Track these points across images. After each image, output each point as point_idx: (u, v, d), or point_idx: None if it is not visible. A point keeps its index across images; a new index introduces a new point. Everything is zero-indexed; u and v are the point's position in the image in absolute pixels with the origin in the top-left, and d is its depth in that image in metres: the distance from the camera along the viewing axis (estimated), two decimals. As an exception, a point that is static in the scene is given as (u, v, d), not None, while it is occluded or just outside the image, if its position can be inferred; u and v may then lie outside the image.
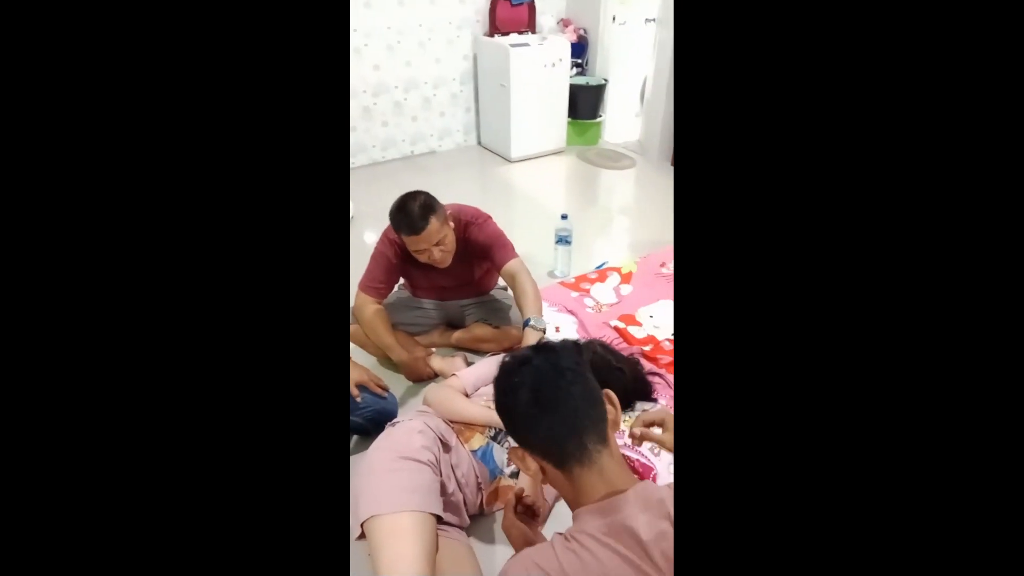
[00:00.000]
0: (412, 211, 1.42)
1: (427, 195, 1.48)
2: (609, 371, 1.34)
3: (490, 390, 1.37)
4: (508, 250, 1.66)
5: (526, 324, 1.52)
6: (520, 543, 0.89)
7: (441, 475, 1.16)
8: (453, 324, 1.88)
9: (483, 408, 1.32)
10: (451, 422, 1.30)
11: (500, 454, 1.27)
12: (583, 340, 1.58)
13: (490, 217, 1.68)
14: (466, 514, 1.22)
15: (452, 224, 1.54)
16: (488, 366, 1.47)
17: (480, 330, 1.78)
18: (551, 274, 2.27)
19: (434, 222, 1.44)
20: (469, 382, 1.39)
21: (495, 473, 1.26)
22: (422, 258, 1.52)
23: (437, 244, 1.48)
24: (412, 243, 1.47)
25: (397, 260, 1.62)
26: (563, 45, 3.40)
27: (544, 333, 1.53)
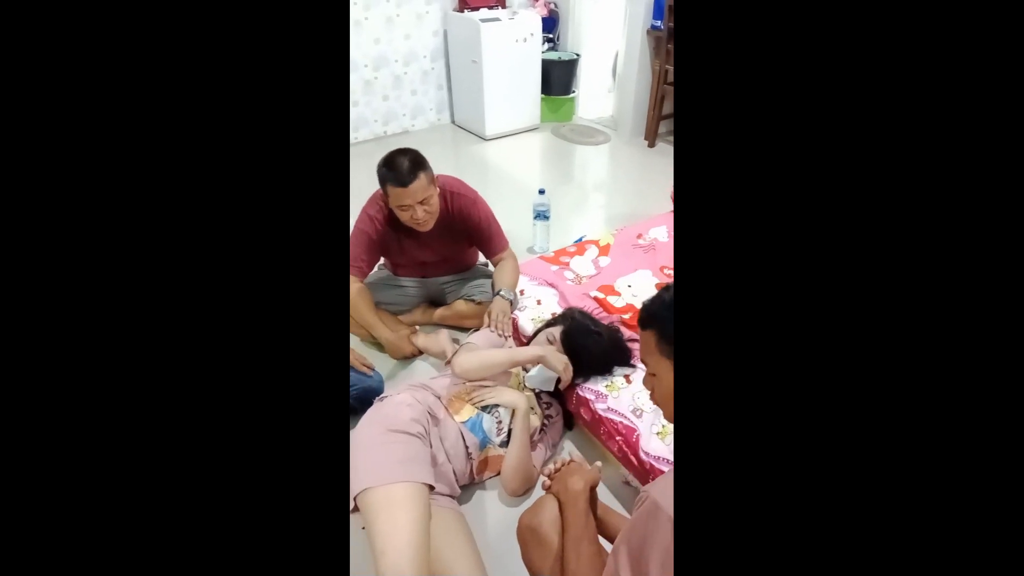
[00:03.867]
0: (401, 164, 1.43)
1: (416, 151, 1.48)
2: (587, 335, 1.37)
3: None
4: (500, 240, 1.70)
5: (497, 294, 1.63)
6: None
7: (431, 447, 1.18)
8: (435, 302, 1.89)
9: (523, 349, 1.39)
10: (466, 388, 1.32)
11: (489, 423, 1.30)
12: (562, 309, 1.60)
13: (478, 194, 1.68)
14: (456, 484, 1.25)
15: (437, 188, 1.54)
16: (489, 334, 1.49)
17: (462, 307, 1.79)
18: (531, 250, 2.29)
19: (423, 177, 1.45)
20: (485, 345, 1.41)
21: (485, 443, 1.29)
22: (405, 216, 1.51)
23: (422, 203, 1.48)
24: (398, 197, 1.46)
25: (377, 236, 1.61)
26: (534, 20, 3.36)
27: (513, 304, 1.62)
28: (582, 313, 1.47)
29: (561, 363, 1.32)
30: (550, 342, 1.37)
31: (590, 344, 1.36)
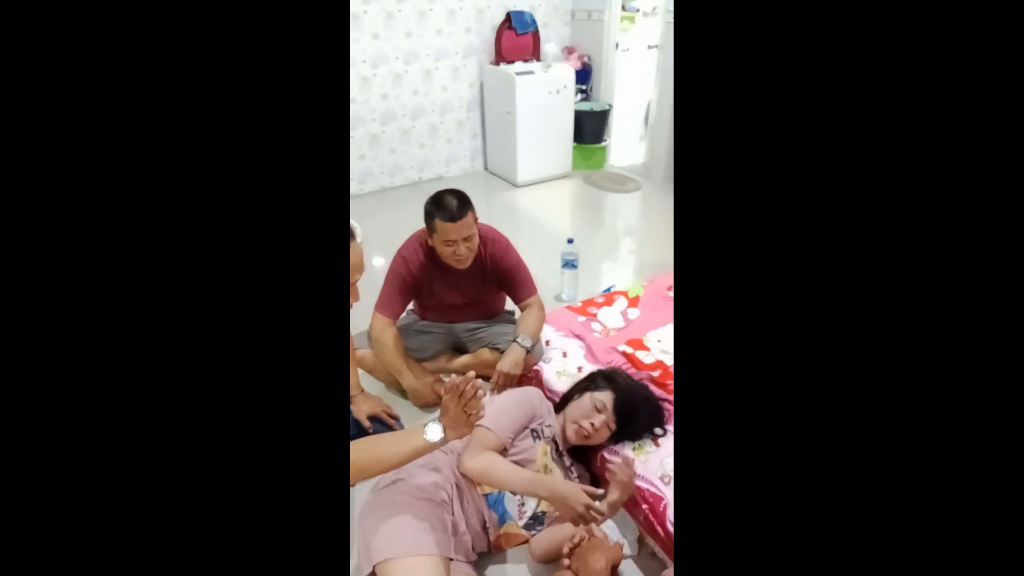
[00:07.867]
0: (451, 202, 1.51)
1: (462, 192, 1.55)
2: (641, 403, 1.31)
3: (532, 422, 1.27)
4: (529, 286, 1.74)
5: (514, 340, 1.64)
6: None
7: (453, 514, 1.14)
8: (460, 350, 1.87)
9: (531, 476, 1.17)
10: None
11: (512, 503, 1.24)
12: (605, 368, 1.49)
13: (510, 242, 1.72)
14: (472, 552, 1.20)
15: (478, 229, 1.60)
16: (517, 405, 1.30)
17: (487, 355, 1.77)
18: (558, 298, 2.27)
19: (470, 215, 1.53)
20: (505, 431, 1.23)
21: (504, 519, 1.23)
22: (448, 251, 1.55)
23: (466, 239, 1.54)
24: (445, 232, 1.52)
25: (410, 278, 1.66)
26: (567, 72, 3.46)
27: (528, 351, 1.61)
28: (626, 376, 1.40)
29: (581, 504, 1.06)
30: (599, 410, 1.26)
31: (640, 413, 1.29)
